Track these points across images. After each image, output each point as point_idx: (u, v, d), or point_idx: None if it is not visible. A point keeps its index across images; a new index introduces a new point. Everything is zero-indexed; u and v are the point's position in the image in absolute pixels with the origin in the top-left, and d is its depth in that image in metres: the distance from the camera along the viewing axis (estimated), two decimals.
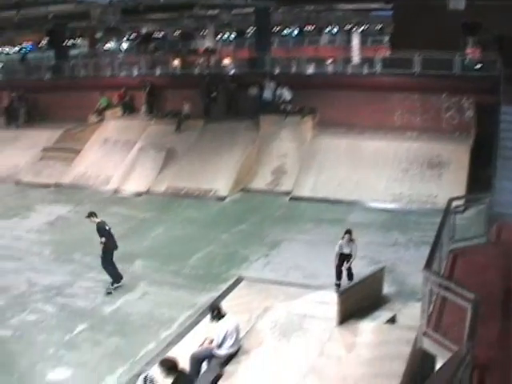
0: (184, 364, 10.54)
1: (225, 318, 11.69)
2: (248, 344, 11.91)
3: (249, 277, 17.12)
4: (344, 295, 12.39)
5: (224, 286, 16.62)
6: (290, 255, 18.74)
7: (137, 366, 13.12)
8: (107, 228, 16.69)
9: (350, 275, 15.81)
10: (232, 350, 11.53)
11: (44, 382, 13.08)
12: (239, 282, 16.80)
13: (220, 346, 11.45)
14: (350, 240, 15.66)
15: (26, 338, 14.63)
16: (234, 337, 11.52)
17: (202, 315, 14.66)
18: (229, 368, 11.21)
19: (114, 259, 16.90)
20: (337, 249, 15.80)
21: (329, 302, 13.10)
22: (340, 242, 15.78)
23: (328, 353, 11.36)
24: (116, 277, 16.89)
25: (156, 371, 9.71)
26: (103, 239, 16.48)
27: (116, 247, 16.94)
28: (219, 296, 15.69)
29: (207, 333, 12.11)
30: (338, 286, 15.49)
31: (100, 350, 14.08)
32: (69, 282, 17.72)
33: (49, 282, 17.66)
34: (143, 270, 18.41)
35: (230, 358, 11.45)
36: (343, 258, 15.82)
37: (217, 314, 11.74)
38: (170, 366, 9.63)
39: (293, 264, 17.93)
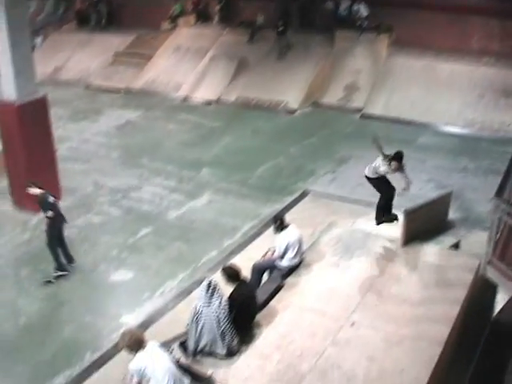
0: (246, 274, 10.63)
1: (287, 229, 11.67)
2: (310, 258, 11.94)
3: (315, 191, 17.14)
4: (410, 216, 12.26)
5: (289, 199, 16.72)
6: (358, 172, 18.27)
7: (198, 272, 13.35)
8: (51, 201, 13.39)
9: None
10: (294, 262, 11.57)
11: (106, 283, 13.42)
12: (305, 196, 16.86)
13: (282, 257, 11.51)
14: (399, 168, 12.88)
15: (91, 239, 14.97)
16: (296, 249, 11.52)
17: (265, 226, 14.78)
18: (290, 280, 11.29)
19: (64, 238, 13.83)
20: (368, 172, 13.35)
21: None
22: (383, 167, 12.99)
23: (390, 273, 11.35)
24: (60, 264, 13.58)
25: (218, 278, 9.78)
26: (49, 213, 13.22)
27: (64, 223, 13.75)
28: (284, 208, 15.80)
29: (270, 244, 12.13)
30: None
31: (162, 254, 14.35)
32: (135, 185, 18.03)
33: (115, 184, 17.94)
34: (209, 177, 18.55)
35: (291, 271, 11.54)
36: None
37: (280, 225, 11.71)
38: (232, 274, 9.72)
39: (360, 181, 17.72)
